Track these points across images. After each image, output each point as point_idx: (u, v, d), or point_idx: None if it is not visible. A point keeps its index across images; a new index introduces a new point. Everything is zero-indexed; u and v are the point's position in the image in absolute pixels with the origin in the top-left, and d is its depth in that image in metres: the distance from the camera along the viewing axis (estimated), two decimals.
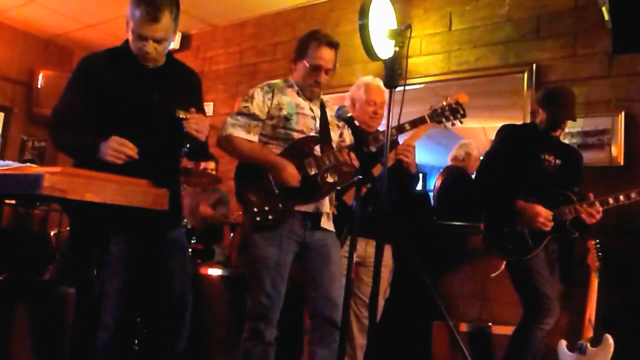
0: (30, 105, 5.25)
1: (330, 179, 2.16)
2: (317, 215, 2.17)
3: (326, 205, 2.21)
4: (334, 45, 2.17)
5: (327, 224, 2.20)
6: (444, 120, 2.24)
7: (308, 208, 2.15)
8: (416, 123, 2.22)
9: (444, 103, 2.25)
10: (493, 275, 2.78)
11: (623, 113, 2.90)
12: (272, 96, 2.16)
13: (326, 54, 2.15)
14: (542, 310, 2.40)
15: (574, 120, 2.56)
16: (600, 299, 2.55)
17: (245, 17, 4.61)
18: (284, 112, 2.15)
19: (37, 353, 2.44)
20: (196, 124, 1.85)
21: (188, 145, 1.95)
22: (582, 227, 2.47)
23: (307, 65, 2.15)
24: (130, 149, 1.76)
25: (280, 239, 2.08)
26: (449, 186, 3.64)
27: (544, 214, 2.41)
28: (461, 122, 2.27)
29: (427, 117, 2.23)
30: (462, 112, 2.24)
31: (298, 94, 2.22)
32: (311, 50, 2.15)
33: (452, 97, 2.33)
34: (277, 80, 2.25)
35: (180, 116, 1.83)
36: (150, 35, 1.84)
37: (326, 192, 2.17)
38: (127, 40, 1.97)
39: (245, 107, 2.15)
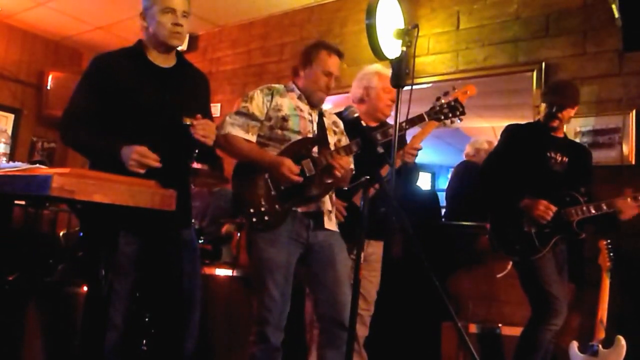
0: (40, 106, 5.29)
1: (327, 180, 2.15)
2: (319, 214, 2.16)
3: (327, 204, 2.20)
4: (341, 55, 2.27)
5: (329, 224, 2.19)
6: (442, 117, 2.24)
7: (309, 208, 2.14)
8: (414, 121, 2.22)
9: (443, 101, 2.25)
10: (499, 275, 2.77)
11: (634, 111, 2.87)
12: (272, 98, 2.19)
13: (337, 62, 2.23)
14: (550, 311, 2.39)
15: (576, 104, 2.54)
16: (612, 299, 2.52)
17: (252, 18, 4.62)
18: (282, 113, 2.15)
19: (46, 352, 2.46)
20: (203, 130, 1.87)
21: (197, 150, 1.97)
22: (612, 225, 2.45)
23: (319, 71, 2.19)
24: (153, 160, 1.77)
25: (283, 240, 2.07)
26: (456, 184, 3.63)
27: (543, 204, 2.39)
28: (460, 120, 2.26)
29: (425, 115, 2.23)
30: (460, 109, 2.24)
31: (299, 98, 2.23)
32: (323, 57, 2.21)
33: (461, 89, 2.33)
34: (278, 85, 2.28)
35: (187, 122, 1.85)
36: (179, 6, 1.92)
37: (324, 192, 2.16)
38: (139, 41, 2.00)
39: (244, 107, 2.17)
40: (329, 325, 2.08)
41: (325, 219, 2.17)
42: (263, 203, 2.07)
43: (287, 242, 2.08)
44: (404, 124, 2.17)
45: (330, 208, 2.21)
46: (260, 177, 2.10)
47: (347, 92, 3.38)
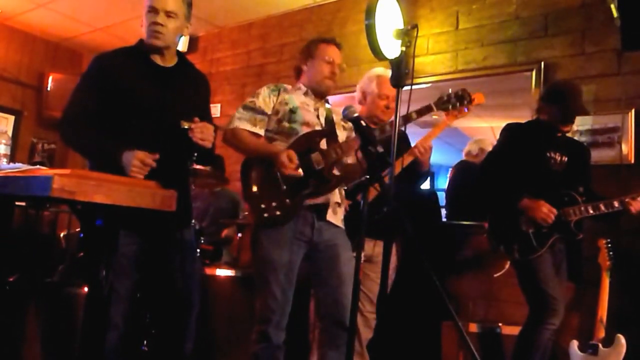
0: (40, 108, 5.30)
1: (337, 172, 2.16)
2: (325, 206, 2.15)
3: (336, 196, 2.20)
4: (339, 46, 2.30)
5: (334, 217, 2.18)
6: (450, 107, 2.25)
7: (316, 200, 2.14)
8: (422, 112, 2.23)
9: (450, 90, 2.27)
10: (496, 275, 2.77)
11: (633, 110, 2.87)
12: (278, 93, 2.22)
13: (336, 51, 2.28)
14: (547, 311, 2.38)
15: (588, 114, 2.58)
16: (611, 298, 2.52)
17: (252, 19, 4.62)
18: (289, 107, 2.18)
19: (47, 353, 2.46)
20: (201, 133, 1.87)
21: (196, 154, 1.98)
22: (615, 221, 2.46)
23: (321, 61, 2.23)
24: (152, 161, 1.78)
25: (288, 239, 2.07)
26: (458, 183, 3.63)
27: (546, 207, 2.40)
28: (468, 109, 2.28)
29: (433, 105, 2.25)
30: (468, 98, 2.25)
31: (306, 94, 2.26)
32: (322, 48, 2.26)
33: None
34: (285, 84, 2.30)
35: (185, 126, 1.86)
36: (161, 6, 1.90)
37: (334, 185, 2.16)
38: (140, 40, 2.01)
39: (251, 101, 2.20)
40: (330, 324, 2.08)
41: (330, 211, 2.16)
42: (274, 198, 2.07)
43: (291, 242, 2.07)
44: (413, 114, 2.18)
45: (338, 200, 2.21)
46: (270, 173, 2.10)
47: (346, 93, 3.39)
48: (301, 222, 2.11)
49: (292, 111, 2.17)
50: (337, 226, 2.19)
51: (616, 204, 2.39)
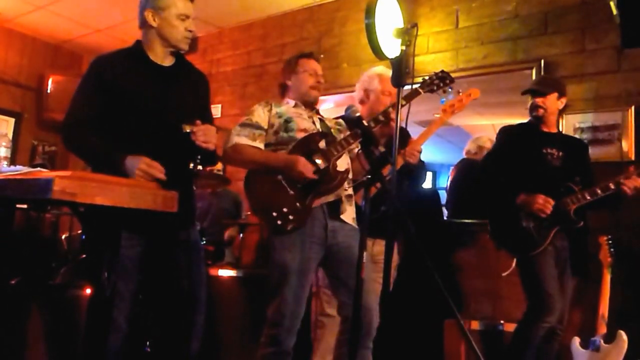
0: (40, 110, 5.30)
1: (341, 168, 2.17)
2: (338, 202, 2.16)
3: (347, 189, 2.21)
4: (319, 59, 2.40)
5: (346, 215, 2.18)
6: (435, 88, 2.33)
7: (328, 198, 2.14)
8: (411, 96, 2.27)
9: (432, 74, 2.36)
10: (504, 274, 2.77)
11: (633, 107, 2.87)
12: (271, 108, 2.25)
13: (317, 65, 2.35)
14: (543, 308, 2.39)
15: (558, 91, 2.63)
16: (613, 295, 2.52)
17: (252, 19, 4.62)
18: (283, 118, 2.21)
19: (49, 355, 2.47)
20: (203, 135, 1.87)
21: (199, 157, 1.98)
22: (616, 202, 2.46)
23: (305, 74, 2.29)
24: (159, 171, 1.78)
25: (301, 243, 2.07)
26: (459, 182, 3.63)
27: (542, 198, 2.42)
28: (451, 89, 2.37)
29: (419, 89, 2.31)
30: (449, 79, 2.35)
31: (296, 105, 2.29)
32: (303, 62, 2.33)
33: (465, 92, 2.36)
34: (272, 101, 2.35)
35: (187, 130, 1.86)
36: (191, 12, 1.99)
37: (340, 182, 2.16)
38: (138, 41, 2.01)
39: (247, 118, 2.22)
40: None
41: (343, 206, 2.17)
42: (284, 204, 2.07)
43: (304, 246, 2.07)
44: (402, 100, 2.21)
45: (350, 192, 2.22)
46: (274, 181, 2.10)
47: (347, 92, 3.39)
48: (313, 224, 2.10)
49: (287, 121, 2.19)
50: (350, 226, 2.19)
51: (612, 185, 2.39)
